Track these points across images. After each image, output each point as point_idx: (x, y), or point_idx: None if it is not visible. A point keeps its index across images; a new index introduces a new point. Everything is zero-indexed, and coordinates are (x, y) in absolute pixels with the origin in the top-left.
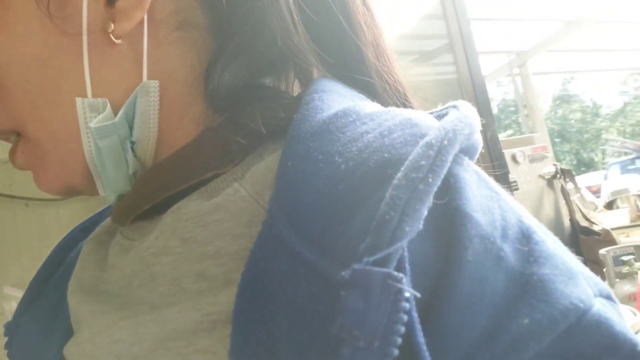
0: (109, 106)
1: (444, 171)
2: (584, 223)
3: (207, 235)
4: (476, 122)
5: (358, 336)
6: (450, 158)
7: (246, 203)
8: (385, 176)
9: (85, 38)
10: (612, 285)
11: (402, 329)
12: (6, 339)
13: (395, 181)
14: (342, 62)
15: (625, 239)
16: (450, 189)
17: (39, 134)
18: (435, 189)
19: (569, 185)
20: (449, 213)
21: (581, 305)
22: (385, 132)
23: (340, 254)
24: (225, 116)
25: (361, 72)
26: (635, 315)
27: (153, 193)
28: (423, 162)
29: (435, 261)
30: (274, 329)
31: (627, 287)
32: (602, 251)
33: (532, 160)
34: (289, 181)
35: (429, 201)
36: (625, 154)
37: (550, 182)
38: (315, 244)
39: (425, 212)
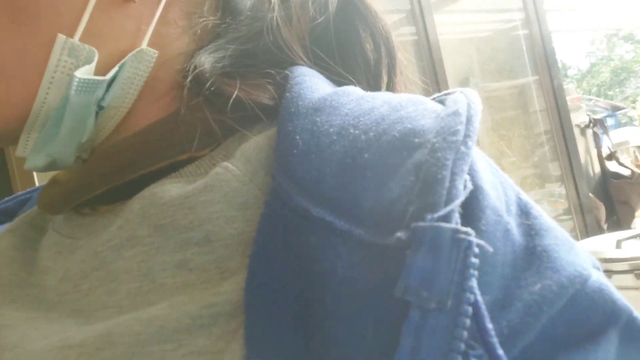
0: (96, 58)
1: (476, 137)
2: (613, 168)
3: (192, 220)
4: (481, 105)
5: (428, 297)
6: (477, 126)
7: (240, 183)
8: (413, 144)
9: None
10: None
11: (475, 286)
12: None
13: (435, 145)
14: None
15: None
16: None
17: None
18: (472, 152)
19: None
20: None
21: (584, 272)
22: (398, 107)
23: (380, 219)
24: (204, 94)
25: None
26: None
27: (114, 173)
28: (459, 127)
29: None
30: (306, 306)
31: None
32: None
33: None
34: (300, 154)
35: (470, 164)
36: (596, 112)
37: (583, 130)
38: (346, 213)
39: (467, 175)
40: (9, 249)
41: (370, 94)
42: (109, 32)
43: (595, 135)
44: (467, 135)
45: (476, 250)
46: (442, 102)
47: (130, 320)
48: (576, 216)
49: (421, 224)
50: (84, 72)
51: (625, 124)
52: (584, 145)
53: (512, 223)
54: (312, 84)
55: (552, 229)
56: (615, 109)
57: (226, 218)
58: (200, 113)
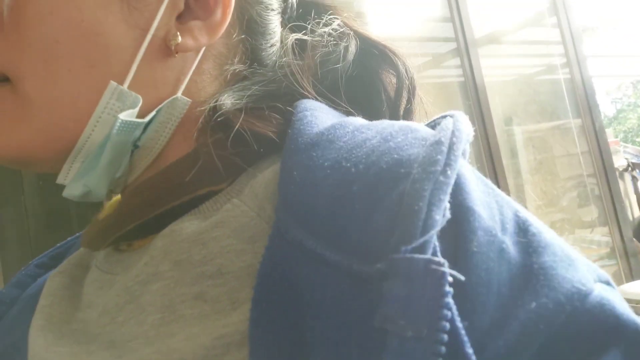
0: (140, 104)
1: (458, 165)
2: None
3: (205, 254)
4: (470, 129)
5: (405, 326)
6: (460, 154)
7: (248, 218)
8: (399, 174)
9: (149, 37)
10: None
11: (449, 314)
12: None
13: (415, 175)
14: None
15: None
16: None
17: (38, 93)
18: (453, 181)
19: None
20: (453, 208)
21: (583, 288)
22: (389, 137)
23: (366, 250)
24: (219, 134)
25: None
26: None
27: (141, 209)
28: (439, 157)
29: (444, 255)
30: (301, 334)
31: None
32: None
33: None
34: (296, 189)
35: (449, 193)
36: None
37: (621, 174)
38: (336, 244)
39: (447, 203)
40: (59, 289)
41: (366, 125)
42: (152, 81)
43: (634, 179)
44: (447, 164)
45: (450, 279)
46: (436, 125)
47: (152, 354)
48: (621, 260)
49: (396, 255)
50: (127, 115)
51: None
52: (622, 189)
53: (508, 242)
54: (313, 118)
55: (551, 245)
56: None
57: (236, 252)
58: (214, 149)
